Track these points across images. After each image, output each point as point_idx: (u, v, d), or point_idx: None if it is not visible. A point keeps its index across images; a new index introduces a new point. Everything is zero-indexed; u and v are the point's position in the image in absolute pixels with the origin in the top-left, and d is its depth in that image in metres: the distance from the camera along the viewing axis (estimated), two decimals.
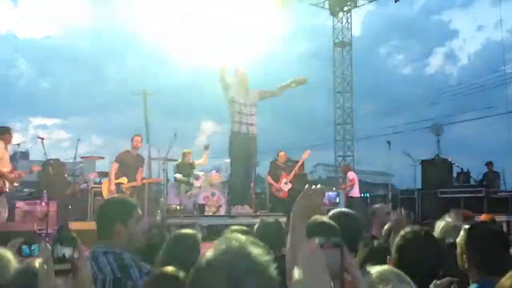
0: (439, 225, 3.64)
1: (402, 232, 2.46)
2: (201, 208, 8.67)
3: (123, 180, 8.98)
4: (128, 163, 9.04)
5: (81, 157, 11.66)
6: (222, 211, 9.11)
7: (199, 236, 3.31)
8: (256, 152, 8.05)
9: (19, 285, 1.94)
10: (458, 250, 2.41)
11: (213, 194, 9.55)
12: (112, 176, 8.98)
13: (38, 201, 10.27)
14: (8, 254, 2.33)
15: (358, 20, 67.57)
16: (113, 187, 8.86)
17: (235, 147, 7.71)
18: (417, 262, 2.20)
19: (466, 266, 2.36)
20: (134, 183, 9.02)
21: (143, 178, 9.39)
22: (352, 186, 12.07)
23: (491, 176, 13.40)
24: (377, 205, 4.97)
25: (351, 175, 12.33)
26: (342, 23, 24.28)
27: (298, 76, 8.00)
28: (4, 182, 7.66)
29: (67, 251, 1.49)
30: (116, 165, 9.04)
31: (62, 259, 1.48)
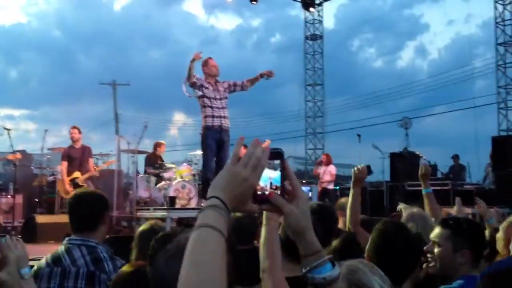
0: (405, 214, 3.68)
1: (376, 225, 2.47)
2: (172, 200, 8.61)
3: (77, 174, 8.90)
4: (76, 157, 8.98)
5: (49, 149, 11.46)
6: (193, 204, 9.07)
7: (168, 227, 3.29)
8: (229, 144, 8.02)
9: None
10: (450, 244, 2.39)
11: (184, 187, 9.49)
12: (64, 175, 8.89)
13: (4, 193, 10.05)
14: None
15: (331, 13, 67.97)
16: (68, 185, 8.77)
17: (207, 140, 7.65)
18: (392, 255, 2.20)
19: (463, 260, 2.36)
20: (89, 174, 8.96)
21: (96, 166, 9.43)
22: (332, 181, 12.17)
23: (457, 169, 13.72)
24: (343, 199, 4.95)
25: (333, 169, 12.37)
26: (313, 16, 24.36)
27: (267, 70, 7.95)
28: None
29: None
30: (65, 164, 8.97)
31: None
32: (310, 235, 1.19)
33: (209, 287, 0.95)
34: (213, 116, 7.60)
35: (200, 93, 7.62)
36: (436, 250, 2.41)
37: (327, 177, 12.12)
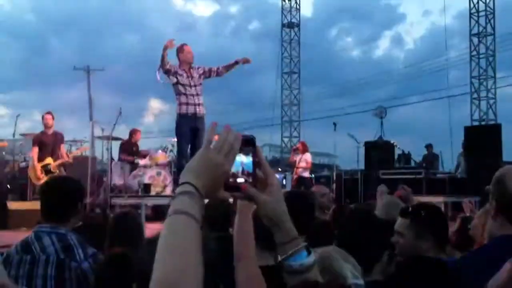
0: (379, 203, 3.72)
1: (346, 212, 2.49)
2: (147, 188, 8.56)
3: (49, 160, 8.76)
4: (48, 143, 8.84)
5: (21, 134, 11.25)
6: (168, 191, 9.03)
7: (141, 215, 3.27)
8: (204, 132, 7.96)
9: None
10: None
11: (158, 174, 9.45)
12: (35, 161, 8.73)
13: None
14: None
15: (309, 1, 67.85)
16: (39, 172, 8.64)
17: (182, 128, 7.59)
18: (360, 240, 2.22)
19: (427, 246, 2.42)
20: (61, 160, 8.83)
21: (69, 152, 9.32)
22: (307, 168, 12.25)
23: (430, 158, 13.92)
24: (313, 187, 5.02)
25: (309, 157, 12.42)
26: (290, 4, 24.31)
27: (245, 57, 7.91)
28: None
29: None
30: (36, 149, 8.82)
31: None
32: (286, 222, 1.18)
33: (184, 274, 0.93)
34: (187, 104, 7.53)
35: (175, 79, 7.55)
36: (400, 240, 2.45)
37: (302, 164, 12.19)
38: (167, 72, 7.51)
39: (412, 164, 13.25)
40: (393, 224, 2.61)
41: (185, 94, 7.54)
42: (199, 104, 7.62)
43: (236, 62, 7.75)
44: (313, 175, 14.21)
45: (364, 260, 1.75)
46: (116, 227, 3.09)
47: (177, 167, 8.38)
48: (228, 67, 7.86)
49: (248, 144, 1.14)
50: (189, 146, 7.73)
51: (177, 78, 7.54)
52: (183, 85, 7.55)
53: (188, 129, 7.57)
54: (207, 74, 7.82)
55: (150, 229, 3.22)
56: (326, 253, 1.55)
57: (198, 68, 7.75)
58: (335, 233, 2.48)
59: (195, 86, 7.63)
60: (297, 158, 12.44)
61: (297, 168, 12.28)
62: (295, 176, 12.21)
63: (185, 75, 7.58)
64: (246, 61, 7.74)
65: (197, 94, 7.63)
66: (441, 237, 2.47)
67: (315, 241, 1.73)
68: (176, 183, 8.54)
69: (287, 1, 24.23)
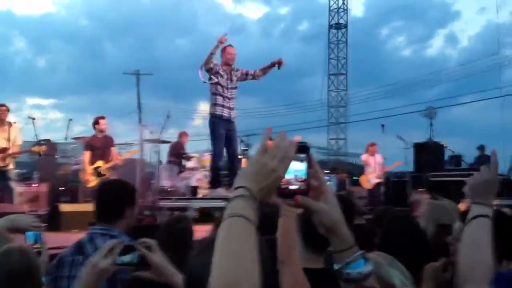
0: (428, 208, 3.63)
1: (387, 217, 2.43)
2: (194, 190, 8.65)
3: (100, 163, 8.91)
4: (99, 147, 8.99)
5: (72, 138, 11.58)
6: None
7: (191, 220, 3.27)
8: (236, 134, 7.94)
9: None
10: None
11: (206, 176, 9.53)
12: (87, 164, 8.90)
13: (28, 182, 10.20)
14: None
15: (360, 1, 67.49)
16: (90, 174, 8.82)
17: (218, 129, 7.54)
18: (402, 246, 2.15)
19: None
20: (112, 163, 8.99)
21: (120, 155, 9.48)
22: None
23: (483, 160, 13.47)
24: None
25: (381, 158, 11.89)
26: (338, 4, 24.14)
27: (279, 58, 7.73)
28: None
29: None
30: (87, 153, 8.95)
31: None
32: (343, 229, 1.17)
33: (243, 276, 0.94)
34: (223, 106, 7.56)
35: (215, 79, 7.57)
36: (456, 243, 2.37)
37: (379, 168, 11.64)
38: (209, 70, 7.54)
39: (464, 166, 12.86)
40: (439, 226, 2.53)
41: (221, 95, 7.57)
42: (232, 108, 7.66)
43: (273, 64, 7.67)
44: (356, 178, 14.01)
45: (409, 264, 1.70)
46: (167, 231, 3.11)
47: (211, 167, 8.17)
48: (265, 70, 7.81)
49: (302, 151, 1.14)
50: (225, 149, 7.73)
51: (218, 78, 7.57)
52: (222, 86, 7.58)
53: (223, 131, 7.58)
54: (244, 77, 7.82)
55: (197, 231, 3.24)
56: (372, 259, 1.51)
57: (237, 71, 7.76)
58: (377, 238, 2.42)
59: (232, 89, 7.67)
60: (371, 160, 11.76)
61: (385, 170, 11.75)
62: (367, 184, 11.66)
63: (225, 76, 7.62)
64: (280, 62, 7.59)
65: (231, 98, 7.66)
66: (504, 247, 2.35)
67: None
68: (211, 185, 8.50)
69: (335, 2, 24.05)
